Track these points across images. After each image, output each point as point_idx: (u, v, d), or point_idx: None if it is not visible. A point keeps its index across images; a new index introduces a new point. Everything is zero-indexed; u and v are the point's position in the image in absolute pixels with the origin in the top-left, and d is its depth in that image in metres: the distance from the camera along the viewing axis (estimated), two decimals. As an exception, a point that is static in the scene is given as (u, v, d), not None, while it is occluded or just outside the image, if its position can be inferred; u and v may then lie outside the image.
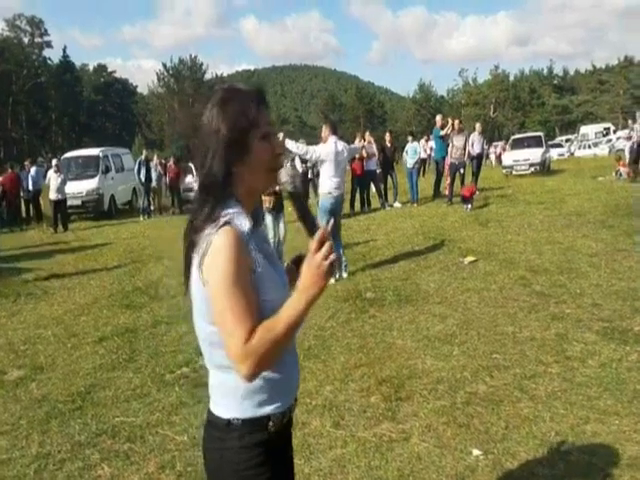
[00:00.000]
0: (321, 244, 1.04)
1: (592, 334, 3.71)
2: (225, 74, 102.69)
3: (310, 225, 1.13)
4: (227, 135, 1.12)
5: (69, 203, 12.98)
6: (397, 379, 3.28)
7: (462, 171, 10.94)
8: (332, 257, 1.03)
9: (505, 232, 7.57)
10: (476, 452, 2.46)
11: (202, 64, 51.83)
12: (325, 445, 2.67)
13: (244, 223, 1.09)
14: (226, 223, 1.06)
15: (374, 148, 11.72)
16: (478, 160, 12.79)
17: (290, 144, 5.68)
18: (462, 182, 10.92)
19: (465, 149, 10.99)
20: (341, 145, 5.82)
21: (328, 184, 5.71)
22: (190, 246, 1.12)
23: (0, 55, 45.13)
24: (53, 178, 11.92)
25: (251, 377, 1.05)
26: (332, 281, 5.67)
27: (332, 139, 5.74)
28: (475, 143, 12.41)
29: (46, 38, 52.89)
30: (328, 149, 5.69)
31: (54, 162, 12.40)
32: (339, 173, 5.75)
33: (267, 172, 1.18)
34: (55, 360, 4.18)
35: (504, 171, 16.73)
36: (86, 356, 4.20)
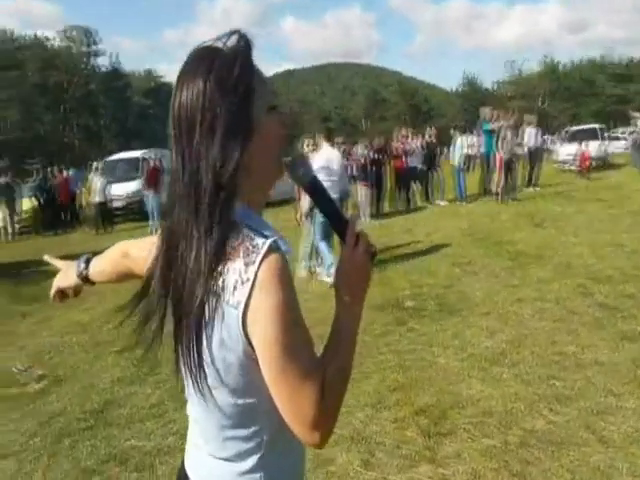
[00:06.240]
0: (356, 237, 0.83)
1: (674, 358, 3.14)
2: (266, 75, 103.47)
3: (336, 219, 0.89)
4: (226, 111, 0.76)
5: (113, 205, 13.24)
6: (437, 408, 2.85)
7: (515, 166, 10.26)
8: (373, 248, 0.84)
9: (560, 233, 6.91)
10: (534, 511, 2.03)
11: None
12: (351, 489, 2.30)
13: (284, 243, 0.78)
14: (270, 249, 0.74)
15: (414, 144, 11.21)
16: (534, 154, 11.92)
17: None
18: (514, 178, 10.25)
19: (517, 143, 10.34)
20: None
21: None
22: (207, 285, 0.75)
23: (54, 65, 47.55)
24: (96, 181, 12.14)
25: (325, 443, 0.79)
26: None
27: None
28: (530, 136, 11.66)
29: (96, 47, 55.26)
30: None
31: (95, 165, 12.65)
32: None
33: (278, 158, 0.86)
34: (76, 371, 4.04)
35: (555, 166, 15.69)
36: (107, 368, 4.02)
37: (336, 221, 0.89)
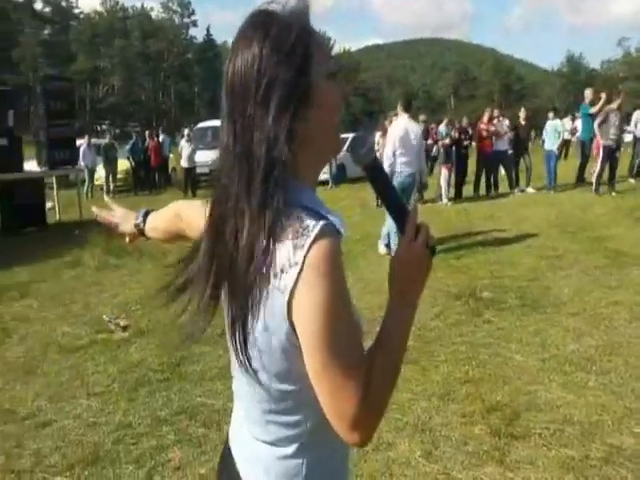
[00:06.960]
0: (417, 228, 0.78)
1: None
2: (353, 48, 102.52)
3: (396, 207, 0.82)
4: (282, 79, 0.72)
5: (198, 171, 13.83)
6: (511, 408, 2.68)
7: (617, 155, 9.28)
8: (433, 242, 0.79)
9: (670, 233, 6.17)
10: (615, 536, 1.84)
11: (329, 39, 52.52)
12: (410, 478, 2.23)
13: (339, 225, 0.73)
14: (322, 233, 0.70)
15: (504, 126, 10.49)
16: None
17: None
18: (615, 168, 9.29)
19: (623, 129, 9.32)
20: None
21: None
22: (255, 265, 0.72)
23: (155, 35, 50.59)
24: (185, 147, 12.73)
25: (365, 443, 0.77)
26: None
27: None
28: (639, 122, 10.49)
29: (193, 18, 57.66)
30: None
31: (185, 132, 13.22)
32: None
33: (336, 130, 0.80)
34: (157, 325, 4.29)
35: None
36: (185, 325, 4.23)
37: (396, 209, 0.81)
